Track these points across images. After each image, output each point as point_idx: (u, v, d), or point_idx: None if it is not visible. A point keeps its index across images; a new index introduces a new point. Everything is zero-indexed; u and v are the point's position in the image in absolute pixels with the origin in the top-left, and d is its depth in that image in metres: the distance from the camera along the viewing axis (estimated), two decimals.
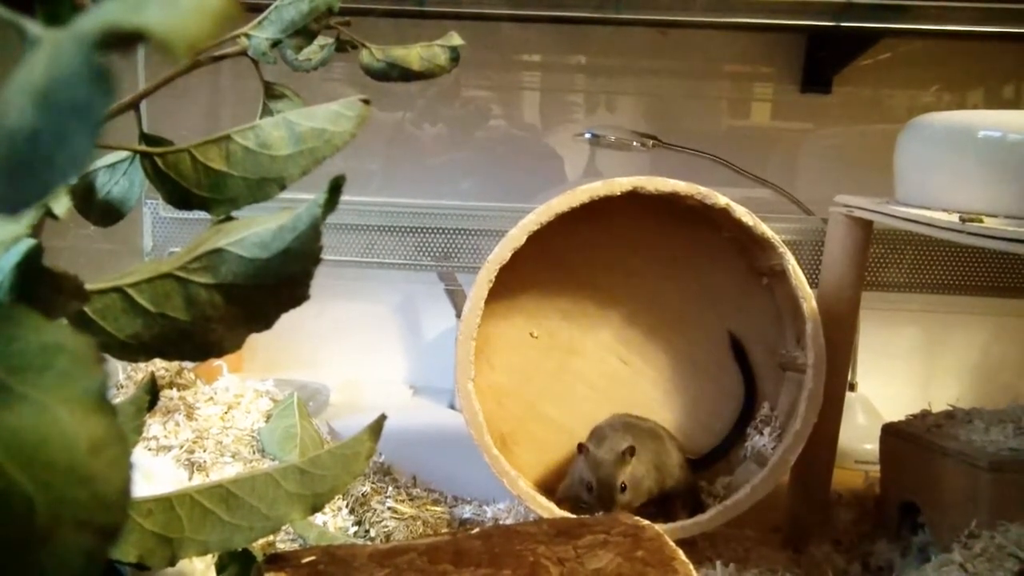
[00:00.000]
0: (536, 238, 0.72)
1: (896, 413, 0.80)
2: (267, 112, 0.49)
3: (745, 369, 0.83)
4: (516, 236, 0.72)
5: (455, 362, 0.73)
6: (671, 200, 0.74)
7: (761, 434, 0.78)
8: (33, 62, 0.20)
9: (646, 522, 0.52)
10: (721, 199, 0.73)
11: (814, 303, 0.72)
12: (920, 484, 0.72)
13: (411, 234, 1.13)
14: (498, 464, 0.71)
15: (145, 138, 0.42)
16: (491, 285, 0.73)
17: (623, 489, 0.68)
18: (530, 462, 0.81)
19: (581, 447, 0.70)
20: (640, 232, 0.84)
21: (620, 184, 0.72)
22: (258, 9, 0.47)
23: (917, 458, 0.72)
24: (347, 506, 0.77)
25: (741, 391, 0.83)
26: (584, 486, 0.69)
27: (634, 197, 0.73)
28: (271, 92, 0.50)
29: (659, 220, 0.83)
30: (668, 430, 0.79)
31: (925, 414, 0.77)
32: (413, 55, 0.53)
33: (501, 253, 0.72)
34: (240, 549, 0.46)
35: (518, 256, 0.73)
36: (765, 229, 0.73)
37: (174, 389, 0.96)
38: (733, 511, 0.70)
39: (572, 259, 0.84)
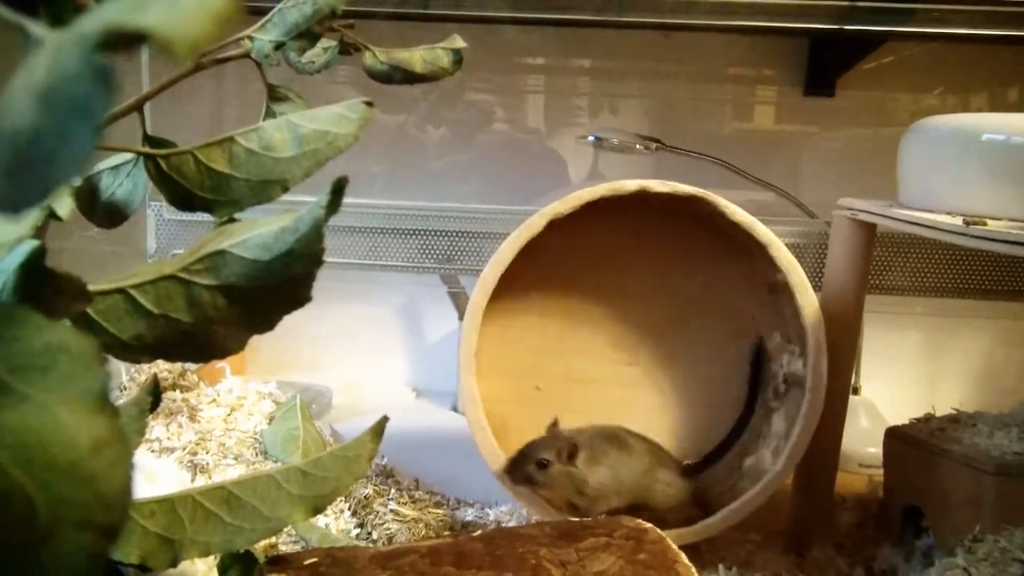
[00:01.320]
0: (539, 241, 0.72)
1: (900, 417, 0.80)
2: (270, 114, 0.49)
3: (755, 376, 0.81)
4: (519, 238, 0.72)
5: (458, 364, 0.73)
6: (673, 203, 0.74)
7: (765, 437, 0.78)
8: (35, 62, 0.20)
9: (649, 525, 0.52)
10: (724, 202, 0.73)
11: (817, 306, 0.72)
12: (924, 488, 0.72)
13: (414, 236, 1.13)
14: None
15: (149, 140, 0.42)
16: (493, 287, 0.73)
17: (542, 465, 0.68)
18: None
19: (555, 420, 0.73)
20: (642, 235, 0.84)
21: (623, 187, 0.72)
22: (262, 12, 0.47)
23: (921, 462, 0.72)
24: (349, 508, 0.77)
25: (743, 395, 0.82)
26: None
27: (636, 200, 0.73)
28: (274, 94, 0.50)
29: (661, 223, 0.83)
30: (659, 449, 0.76)
31: (929, 418, 0.77)
32: (416, 57, 0.53)
33: (503, 256, 0.72)
34: (242, 551, 0.46)
35: (521, 258, 0.73)
36: (768, 232, 0.73)
37: (177, 391, 0.96)
38: (736, 515, 0.70)
39: (574, 262, 0.84)
